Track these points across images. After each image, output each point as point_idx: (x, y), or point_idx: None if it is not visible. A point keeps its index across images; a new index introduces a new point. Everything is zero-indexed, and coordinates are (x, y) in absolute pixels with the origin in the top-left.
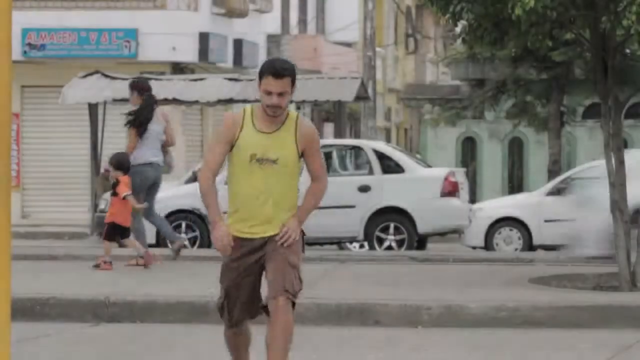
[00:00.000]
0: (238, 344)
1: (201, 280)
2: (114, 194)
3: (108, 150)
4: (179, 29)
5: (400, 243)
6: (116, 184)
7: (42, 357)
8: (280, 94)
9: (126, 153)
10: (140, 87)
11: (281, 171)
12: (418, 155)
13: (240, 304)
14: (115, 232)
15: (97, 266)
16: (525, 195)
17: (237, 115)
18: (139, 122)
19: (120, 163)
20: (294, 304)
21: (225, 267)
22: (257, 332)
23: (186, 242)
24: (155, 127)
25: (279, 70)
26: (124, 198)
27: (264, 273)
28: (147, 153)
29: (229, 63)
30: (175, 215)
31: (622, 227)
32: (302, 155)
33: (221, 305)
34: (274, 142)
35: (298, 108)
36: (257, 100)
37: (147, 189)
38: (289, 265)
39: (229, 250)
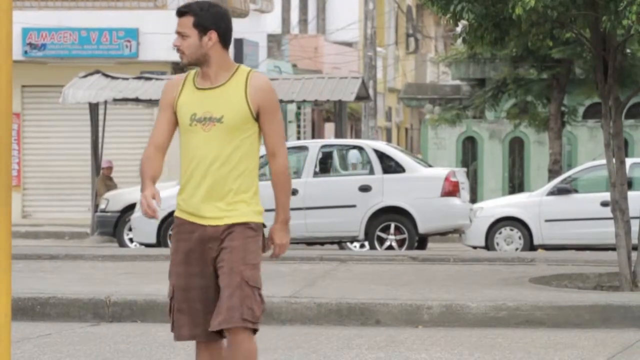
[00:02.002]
0: None
1: None
2: None
3: (108, 150)
4: None
5: (400, 243)
6: None
7: (42, 357)
8: (180, 35)
9: None
10: None
11: (230, 133)
12: (419, 156)
13: (190, 312)
14: None
15: None
16: (525, 195)
17: (179, 76)
18: None
19: None
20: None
21: (171, 260)
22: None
23: None
24: None
25: (180, 7)
26: None
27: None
28: None
29: None
30: (173, 216)
31: (622, 227)
32: (257, 117)
33: (169, 307)
34: (218, 98)
35: (299, 108)
36: None
37: None
38: (247, 284)
39: (152, 212)
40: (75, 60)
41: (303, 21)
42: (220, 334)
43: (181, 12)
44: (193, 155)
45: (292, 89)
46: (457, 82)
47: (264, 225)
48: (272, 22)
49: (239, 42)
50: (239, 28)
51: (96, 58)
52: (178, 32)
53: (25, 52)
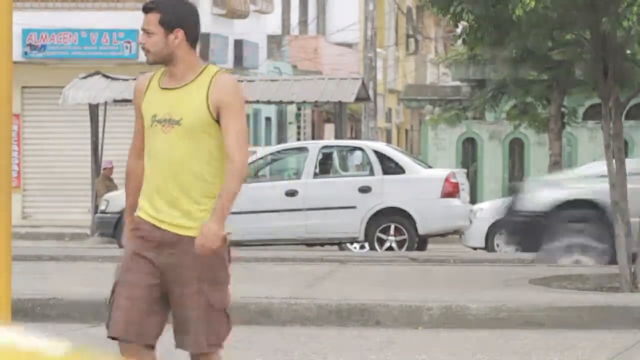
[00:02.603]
0: None
1: None
2: None
3: (109, 151)
4: None
5: (400, 244)
6: None
7: None
8: (146, 32)
9: None
10: None
11: (188, 136)
12: (419, 157)
13: (130, 310)
14: None
15: None
16: None
17: (147, 75)
18: None
19: None
20: None
21: (124, 254)
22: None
23: None
24: None
25: (146, 4)
26: None
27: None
28: None
29: (229, 64)
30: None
31: (623, 228)
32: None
33: (109, 301)
34: (180, 99)
35: (299, 109)
36: (257, 101)
37: None
38: (213, 308)
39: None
40: (75, 61)
41: (303, 22)
42: (153, 345)
43: (147, 9)
44: (151, 156)
45: (292, 90)
46: (457, 83)
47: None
48: (272, 23)
49: (239, 43)
50: (239, 29)
51: (96, 59)
52: (143, 29)
53: (25, 53)
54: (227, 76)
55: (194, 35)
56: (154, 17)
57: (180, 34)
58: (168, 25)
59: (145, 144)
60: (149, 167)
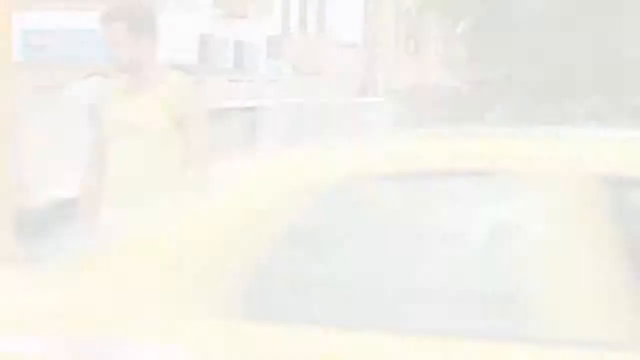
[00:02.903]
0: None
1: None
2: None
3: None
4: (180, 31)
5: None
6: None
7: None
8: (111, 40)
9: None
10: None
11: (147, 141)
12: None
13: None
14: None
15: None
16: None
17: (109, 82)
18: None
19: None
20: None
21: None
22: None
23: None
24: None
25: (108, 13)
26: None
27: None
28: None
29: (229, 64)
30: None
31: None
32: (180, 125)
33: None
34: (141, 106)
35: None
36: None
37: None
38: None
39: None
40: (75, 61)
41: (303, 22)
42: None
43: (110, 18)
44: (115, 164)
45: (292, 90)
46: (457, 83)
47: None
48: (271, 24)
49: (239, 44)
50: (239, 29)
51: (96, 60)
52: (108, 39)
53: (26, 54)
54: (186, 82)
55: (157, 42)
56: (118, 25)
57: (144, 41)
58: (133, 32)
59: (107, 151)
60: (110, 175)
